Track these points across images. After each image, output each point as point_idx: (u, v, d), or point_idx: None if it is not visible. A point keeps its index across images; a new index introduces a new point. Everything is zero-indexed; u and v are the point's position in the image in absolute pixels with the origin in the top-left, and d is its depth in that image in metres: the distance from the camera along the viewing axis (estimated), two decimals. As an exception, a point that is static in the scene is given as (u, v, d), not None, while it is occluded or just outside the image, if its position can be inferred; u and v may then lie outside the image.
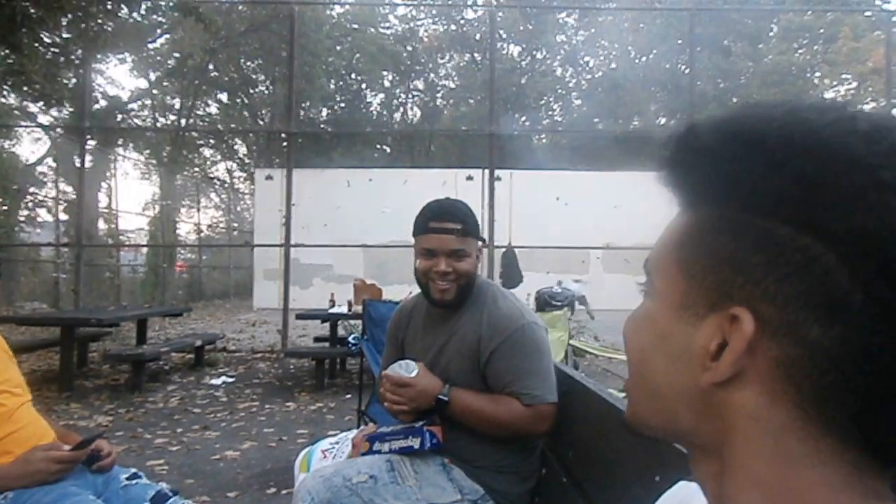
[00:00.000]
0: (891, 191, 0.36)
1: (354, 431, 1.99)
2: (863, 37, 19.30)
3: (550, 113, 25.78)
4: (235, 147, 26.15)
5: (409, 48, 24.97)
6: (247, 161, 26.23)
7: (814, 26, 21.44)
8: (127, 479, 1.80)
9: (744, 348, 0.39)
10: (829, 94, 20.73)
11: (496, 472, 1.68)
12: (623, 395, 0.51)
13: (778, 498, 0.39)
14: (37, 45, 7.95)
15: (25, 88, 8.78)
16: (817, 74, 22.45)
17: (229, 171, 28.20)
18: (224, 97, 23.73)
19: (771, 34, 22.87)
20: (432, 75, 26.61)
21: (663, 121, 22.33)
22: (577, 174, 16.62)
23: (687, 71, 11.24)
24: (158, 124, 21.85)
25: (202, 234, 24.54)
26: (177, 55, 20.19)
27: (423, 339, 1.84)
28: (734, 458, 0.41)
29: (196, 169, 24.96)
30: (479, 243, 1.81)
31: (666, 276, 0.46)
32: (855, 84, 20.94)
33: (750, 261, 0.40)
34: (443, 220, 1.74)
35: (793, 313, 0.38)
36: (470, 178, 14.81)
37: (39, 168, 18.72)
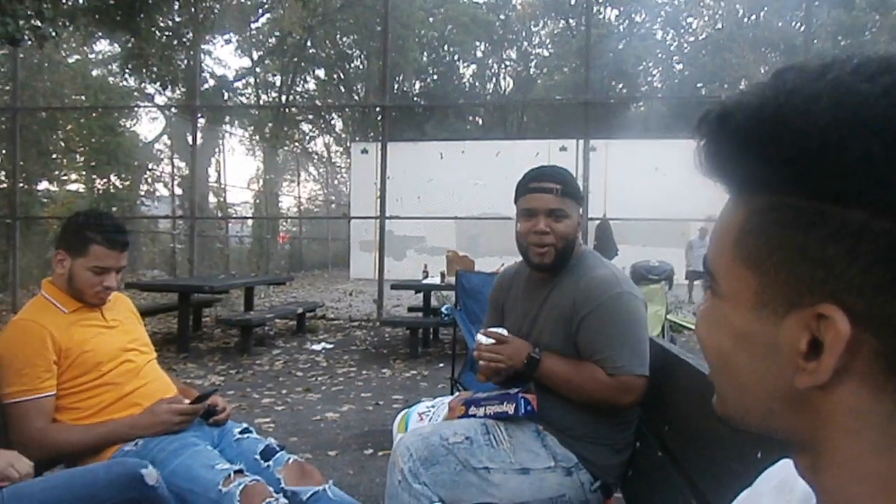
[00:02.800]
0: None
1: (450, 397, 2.04)
2: None
3: (649, 79, 24.70)
4: (332, 122, 26.94)
5: (502, 17, 24.58)
6: (343, 135, 26.98)
7: (955, -29, 19.16)
8: (239, 432, 1.94)
9: (842, 349, 0.37)
10: (971, 48, 18.52)
11: (590, 442, 1.67)
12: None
13: (889, 487, 0.38)
14: (153, 29, 8.49)
15: (144, 71, 9.43)
16: (957, 26, 20.10)
17: (327, 146, 29.16)
18: (321, 73, 24.43)
19: (903, -17, 20.68)
20: (525, 44, 26.13)
21: (774, 84, 20.79)
22: (678, 143, 15.89)
23: (802, 28, 10.37)
24: (261, 101, 22.82)
25: (302, 207, 25.57)
26: (277, 34, 20.92)
27: (522, 305, 1.85)
28: (836, 453, 0.40)
29: (296, 144, 25.95)
30: (580, 210, 1.79)
31: (731, 275, 0.43)
32: None
33: (826, 252, 0.37)
34: (542, 180, 1.74)
35: (885, 303, 0.36)
36: (564, 148, 14.50)
37: (156, 146, 20.14)
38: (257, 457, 1.83)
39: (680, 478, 1.39)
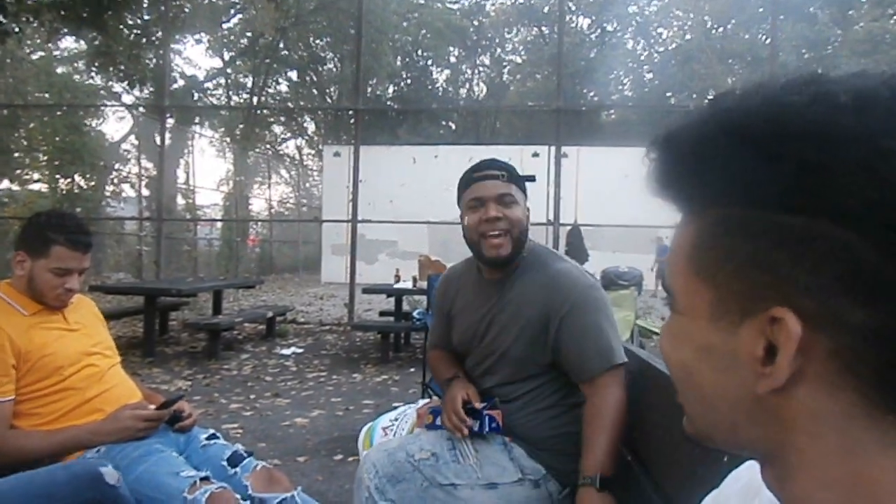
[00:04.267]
0: None
1: (414, 405, 2.02)
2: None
3: (620, 87, 25.06)
4: (305, 124, 26.75)
5: (476, 23, 24.72)
6: (315, 138, 26.80)
7: (912, -10, 19.84)
8: (206, 438, 1.90)
9: (796, 349, 0.38)
10: (927, 64, 19.15)
11: (557, 451, 1.66)
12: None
13: (854, 492, 0.39)
14: (121, 27, 8.34)
15: (111, 69, 9.25)
16: (914, 43, 20.81)
17: (299, 149, 28.96)
18: (294, 75, 24.25)
19: None
20: (499, 50, 26.31)
21: (741, 94, 21.31)
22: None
23: (768, 41, 10.64)
24: (232, 102, 22.55)
25: (273, 210, 25.31)
26: (249, 34, 20.72)
27: (473, 311, 1.78)
28: (801, 458, 0.41)
29: (267, 146, 25.71)
30: (527, 202, 1.72)
31: (688, 290, 0.45)
32: (957, 52, 19.32)
33: (772, 258, 0.39)
34: (485, 169, 1.69)
35: (832, 302, 0.37)
36: (536, 154, 14.60)
37: (123, 146, 19.76)
38: (224, 463, 1.79)
39: (648, 481, 1.41)
